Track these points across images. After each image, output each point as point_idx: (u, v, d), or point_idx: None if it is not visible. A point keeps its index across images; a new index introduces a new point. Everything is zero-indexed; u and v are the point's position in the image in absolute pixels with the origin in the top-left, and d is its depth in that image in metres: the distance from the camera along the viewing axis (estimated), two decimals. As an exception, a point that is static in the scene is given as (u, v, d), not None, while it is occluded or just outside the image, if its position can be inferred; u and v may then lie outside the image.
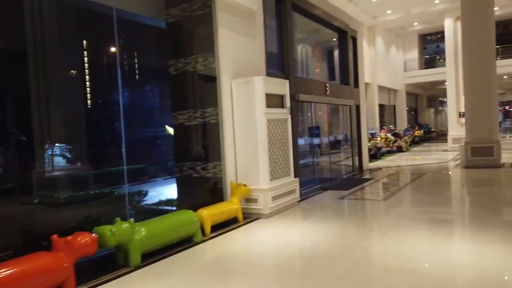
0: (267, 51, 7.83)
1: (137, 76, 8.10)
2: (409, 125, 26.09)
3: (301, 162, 9.74)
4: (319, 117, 11.13)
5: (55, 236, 3.89)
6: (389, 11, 18.98)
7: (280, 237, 5.52)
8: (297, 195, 7.52)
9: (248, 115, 6.68)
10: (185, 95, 7.26)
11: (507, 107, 35.30)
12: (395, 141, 20.09)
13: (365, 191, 8.90)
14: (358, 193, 8.58)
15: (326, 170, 10.78)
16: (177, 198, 7.22)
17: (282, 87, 7.26)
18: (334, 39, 11.90)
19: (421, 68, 26.58)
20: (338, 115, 12.18)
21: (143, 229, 4.66)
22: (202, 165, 7.06)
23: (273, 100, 7.04)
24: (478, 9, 11.36)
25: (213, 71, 6.75)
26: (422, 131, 26.36)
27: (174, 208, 6.99)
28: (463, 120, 18.42)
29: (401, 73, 26.06)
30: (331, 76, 12.13)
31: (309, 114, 10.55)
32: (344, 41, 11.80)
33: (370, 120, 20.96)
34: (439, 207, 6.99)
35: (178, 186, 7.36)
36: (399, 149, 19.61)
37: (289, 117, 7.40)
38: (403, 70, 26.39)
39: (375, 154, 16.51)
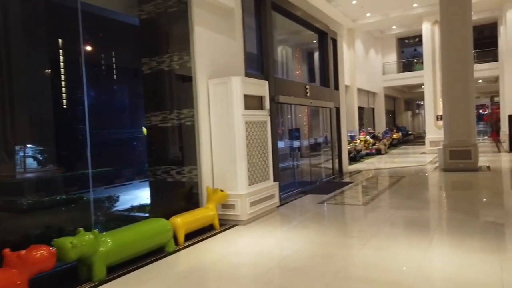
0: (246, 51, 7.56)
1: (107, 75, 7.68)
2: (387, 128, 26.34)
3: (281, 165, 9.51)
4: (299, 119, 10.94)
5: (7, 250, 3.49)
6: (368, 14, 19.05)
7: (258, 246, 5.24)
8: (276, 200, 7.27)
9: (225, 117, 6.39)
10: (159, 96, 6.91)
11: (480, 111, 36.19)
12: (374, 144, 20.18)
13: (345, 195, 8.73)
14: (338, 197, 8.41)
15: (306, 173, 10.59)
16: (150, 204, 6.84)
17: (261, 88, 7.01)
18: (315, 41, 11.75)
19: (399, 71, 26.91)
20: (319, 117, 12.02)
21: (109, 240, 4.29)
22: (177, 169, 6.72)
23: (252, 102, 6.78)
24: (456, 13, 11.44)
25: (189, 71, 6.43)
26: (400, 134, 26.66)
27: (147, 214, 6.62)
28: (440, 123, 18.67)
29: (379, 76, 26.30)
30: (312, 78, 11.98)
31: (289, 116, 10.34)
32: (324, 43, 11.66)
33: (349, 122, 21.00)
34: (420, 212, 6.88)
35: (151, 191, 6.99)
36: (378, 152, 19.69)
37: (268, 119, 7.15)
38: (382, 73, 26.64)
39: (355, 157, 16.48)
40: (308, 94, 10.04)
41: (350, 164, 15.21)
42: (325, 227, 6.05)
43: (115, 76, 7.87)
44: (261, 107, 7.05)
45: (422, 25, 18.99)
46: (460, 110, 11.48)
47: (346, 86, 20.68)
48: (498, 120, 25.67)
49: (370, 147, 19.34)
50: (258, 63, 8.32)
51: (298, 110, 10.93)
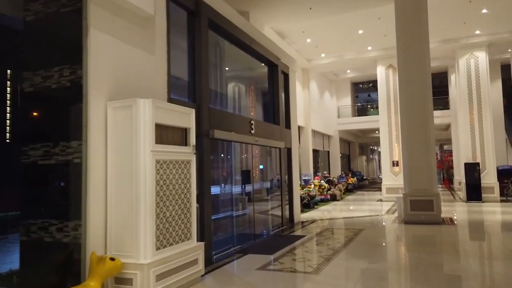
0: (169, 71, 5.98)
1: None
2: (342, 172, 25.45)
3: (218, 215, 7.78)
4: (244, 161, 9.35)
5: None
6: (323, 55, 18.49)
7: None
8: (200, 267, 5.43)
9: (128, 153, 4.64)
10: (41, 122, 5.06)
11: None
12: (329, 189, 18.96)
13: (294, 255, 7.05)
14: (285, 260, 6.69)
15: (250, 224, 8.86)
16: (7, 279, 4.78)
17: (185, 117, 5.38)
18: (264, 72, 10.49)
19: (353, 115, 26.57)
20: (267, 159, 10.53)
21: None
22: (58, 225, 4.77)
23: (171, 135, 5.12)
24: (415, 58, 10.72)
25: (81, 89, 4.70)
26: (355, 179, 25.85)
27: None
28: (396, 169, 17.89)
29: (334, 119, 25.77)
30: (267, 117, 10.57)
31: (229, 156, 8.73)
32: (275, 76, 10.42)
33: (304, 165, 19.79)
34: (386, 284, 5.32)
35: (21, 256, 4.94)
36: (333, 198, 18.44)
37: (193, 158, 5.47)
38: (337, 117, 26.16)
39: (309, 203, 15.03)
40: (253, 131, 8.55)
41: (303, 211, 13.71)
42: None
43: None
44: (185, 143, 5.39)
45: (376, 69, 18.63)
46: (421, 157, 10.46)
47: (301, 127, 19.66)
48: (450, 167, 25.65)
49: (325, 193, 18.05)
50: (190, 89, 6.77)
51: (244, 150, 9.37)
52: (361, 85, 27.71)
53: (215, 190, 7.95)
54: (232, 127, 7.66)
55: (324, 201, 17.53)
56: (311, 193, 15.37)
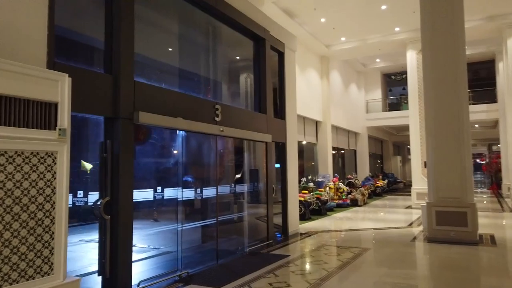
0: (52, 22, 4.11)
1: None
2: (370, 174, 22.76)
3: (168, 227, 5.94)
4: (215, 155, 7.38)
5: None
6: (343, 38, 16.09)
7: None
8: (69, 316, 3.54)
9: None
10: None
11: (478, 160, 32.75)
12: (349, 193, 16.56)
13: (252, 289, 5.02)
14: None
15: (224, 235, 6.93)
16: None
17: (49, 86, 3.51)
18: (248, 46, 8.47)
19: (384, 110, 23.79)
20: (252, 155, 8.53)
21: None
22: None
23: (19, 111, 3.27)
24: (444, 36, 8.26)
25: None
26: (385, 181, 23.07)
27: None
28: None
29: (362, 114, 23.15)
30: (237, 99, 8.58)
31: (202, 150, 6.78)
32: (261, 53, 8.36)
33: (322, 165, 17.53)
34: None
35: None
36: (355, 203, 16.05)
37: (63, 148, 3.59)
38: (365, 112, 23.51)
39: (319, 210, 12.82)
40: (217, 118, 6.56)
41: (310, 219, 11.62)
42: None
43: None
44: (49, 125, 3.52)
45: (406, 53, 15.98)
46: (451, 156, 8.01)
47: (318, 122, 17.41)
48: (498, 170, 22.21)
49: (344, 197, 15.69)
50: (106, 56, 4.90)
51: (218, 143, 7.40)
52: (393, 77, 24.82)
53: (173, 193, 6.09)
54: (178, 110, 5.71)
55: (342, 206, 15.22)
56: (323, 198, 13.11)
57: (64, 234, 3.55)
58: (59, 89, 3.58)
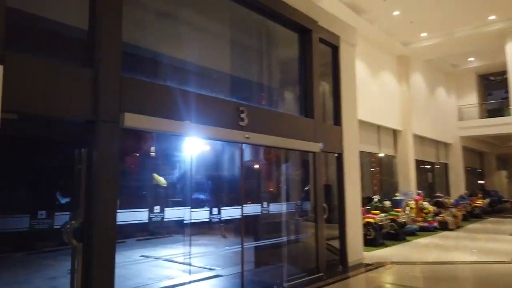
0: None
1: None
2: (466, 192, 19.43)
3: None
4: (240, 167, 6.24)
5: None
6: (424, 34, 13.92)
7: None
8: None
9: None
10: None
11: None
12: (437, 214, 13.99)
13: None
14: None
15: (255, 264, 5.73)
16: None
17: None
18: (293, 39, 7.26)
19: (482, 117, 20.34)
20: (294, 167, 7.22)
21: None
22: None
23: None
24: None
25: None
26: (486, 200, 19.49)
27: None
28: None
29: (453, 122, 20.07)
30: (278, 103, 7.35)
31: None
32: (307, 46, 7.08)
33: (403, 180, 15.28)
34: None
35: None
36: (444, 226, 13.48)
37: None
38: (457, 119, 20.36)
39: (396, 234, 10.80)
40: (243, 123, 5.44)
41: (385, 245, 9.79)
42: None
43: None
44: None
45: (505, 47, 13.21)
46: None
47: (397, 131, 15.26)
48: None
49: (429, 219, 13.27)
50: (89, 47, 4.13)
51: (252, 153, 6.30)
52: (492, 78, 21.23)
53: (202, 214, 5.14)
54: (188, 113, 4.72)
55: (428, 230, 12.86)
56: (399, 220, 11.05)
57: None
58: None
